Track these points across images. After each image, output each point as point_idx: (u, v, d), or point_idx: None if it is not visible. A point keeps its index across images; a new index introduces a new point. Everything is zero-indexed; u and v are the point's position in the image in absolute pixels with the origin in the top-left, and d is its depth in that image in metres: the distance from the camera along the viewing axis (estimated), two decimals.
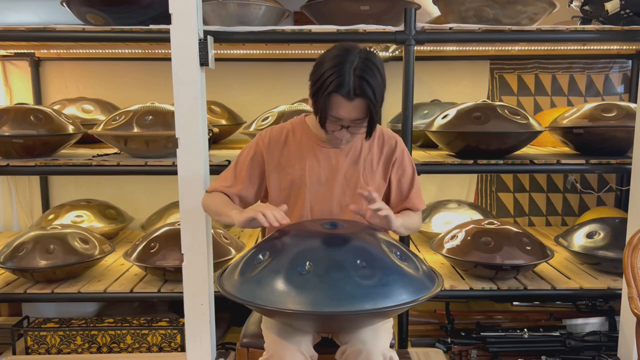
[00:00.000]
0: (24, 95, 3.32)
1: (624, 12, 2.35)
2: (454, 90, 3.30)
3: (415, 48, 2.32)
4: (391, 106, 3.26)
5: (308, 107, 2.61)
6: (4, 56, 3.28)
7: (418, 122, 2.84)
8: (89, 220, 3.00)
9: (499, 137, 2.41)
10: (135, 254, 2.48)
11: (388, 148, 1.71)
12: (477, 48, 3.05)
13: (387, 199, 1.76)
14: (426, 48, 2.77)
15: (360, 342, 1.44)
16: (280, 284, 1.32)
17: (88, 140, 2.77)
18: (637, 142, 2.23)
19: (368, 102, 1.47)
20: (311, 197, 1.68)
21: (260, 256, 1.44)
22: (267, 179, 1.71)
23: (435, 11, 2.84)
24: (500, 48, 2.98)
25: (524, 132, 2.42)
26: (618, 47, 3.06)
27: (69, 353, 2.51)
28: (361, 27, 2.34)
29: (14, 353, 2.52)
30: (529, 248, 2.42)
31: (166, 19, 1.97)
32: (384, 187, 1.73)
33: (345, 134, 1.55)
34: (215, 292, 2.17)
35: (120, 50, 3.05)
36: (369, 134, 1.56)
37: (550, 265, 2.66)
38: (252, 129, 2.65)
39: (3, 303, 2.95)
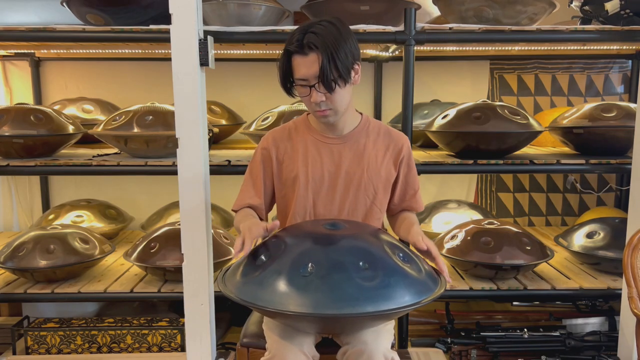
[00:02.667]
0: (24, 95, 3.32)
1: (624, 12, 2.35)
2: (454, 90, 3.30)
3: (415, 48, 2.32)
4: (391, 106, 3.30)
5: None
6: (4, 56, 3.28)
7: (418, 122, 2.84)
8: (89, 220, 3.00)
9: (499, 137, 2.41)
10: (135, 254, 2.48)
11: (394, 146, 1.70)
12: (477, 48, 3.05)
13: (392, 195, 1.75)
14: (426, 48, 2.76)
15: (361, 343, 1.44)
16: (282, 286, 1.32)
17: (88, 140, 2.77)
18: (637, 142, 2.23)
19: (321, 53, 1.48)
20: (314, 192, 1.68)
21: (263, 257, 1.43)
22: (274, 176, 1.72)
23: (435, 11, 2.84)
24: (500, 48, 2.98)
25: (524, 132, 2.42)
26: (618, 47, 3.06)
27: (69, 353, 2.51)
28: (361, 27, 2.34)
29: (14, 353, 2.52)
30: (529, 248, 2.42)
31: (166, 19, 1.97)
32: (389, 183, 1.71)
33: (316, 95, 1.53)
34: (215, 292, 2.16)
35: (120, 50, 3.05)
36: (344, 80, 1.52)
37: (550, 265, 2.66)
38: (252, 129, 2.65)
39: (3, 303, 2.95)
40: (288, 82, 1.56)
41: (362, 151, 1.68)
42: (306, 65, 1.51)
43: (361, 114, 1.74)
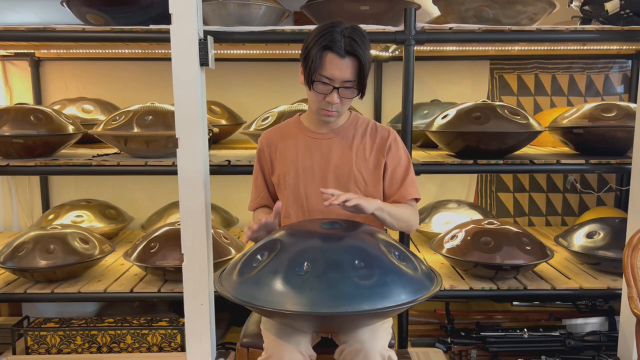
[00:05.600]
0: (24, 95, 3.32)
1: (624, 12, 2.35)
2: (454, 90, 3.30)
3: (415, 48, 2.32)
4: (391, 106, 3.30)
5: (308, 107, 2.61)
6: (4, 56, 3.28)
7: (418, 122, 2.84)
8: (89, 220, 3.00)
9: (499, 137, 2.41)
10: (135, 254, 2.48)
11: (380, 137, 1.75)
12: (477, 48, 3.05)
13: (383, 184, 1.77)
14: (426, 48, 2.77)
15: (358, 342, 1.44)
16: (278, 285, 1.32)
17: (88, 140, 2.78)
18: (637, 142, 2.23)
19: (358, 61, 1.56)
20: (305, 187, 1.73)
21: (259, 256, 1.44)
22: (271, 174, 1.81)
23: (435, 11, 2.84)
24: (500, 48, 2.98)
25: (524, 132, 2.42)
26: (618, 47, 3.06)
27: (69, 353, 2.51)
28: (361, 27, 2.33)
29: (14, 353, 2.52)
30: (528, 248, 2.42)
31: (166, 19, 1.97)
32: (379, 175, 1.74)
33: (335, 97, 1.60)
34: (215, 292, 2.17)
35: (120, 50, 3.05)
36: (362, 92, 1.63)
37: (550, 265, 2.66)
38: (252, 129, 2.65)
39: (3, 303, 2.95)
40: (314, 76, 1.58)
41: (351, 144, 1.73)
42: (340, 68, 1.56)
43: (350, 111, 1.79)
